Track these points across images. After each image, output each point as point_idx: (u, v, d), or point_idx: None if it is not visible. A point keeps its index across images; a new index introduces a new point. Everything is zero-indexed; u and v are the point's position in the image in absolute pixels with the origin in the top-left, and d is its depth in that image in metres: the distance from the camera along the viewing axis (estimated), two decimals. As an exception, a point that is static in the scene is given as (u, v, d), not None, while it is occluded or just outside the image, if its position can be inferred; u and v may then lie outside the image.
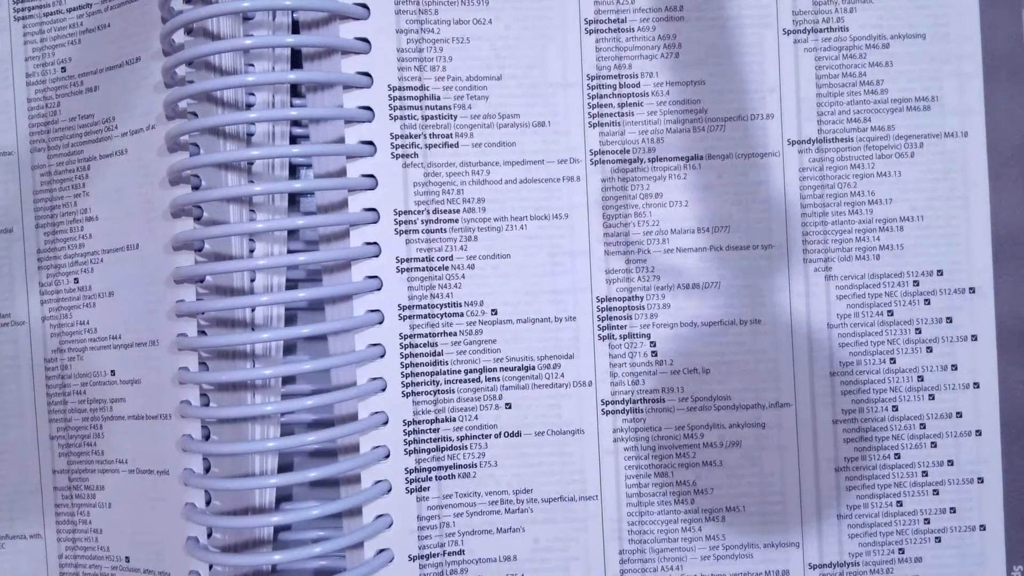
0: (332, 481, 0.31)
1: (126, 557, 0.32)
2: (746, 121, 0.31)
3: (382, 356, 0.31)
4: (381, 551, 0.30)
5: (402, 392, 0.31)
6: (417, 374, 0.31)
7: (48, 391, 0.33)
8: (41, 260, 0.33)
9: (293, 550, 0.29)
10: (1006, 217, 0.31)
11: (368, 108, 0.30)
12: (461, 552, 0.31)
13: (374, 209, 0.31)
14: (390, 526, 0.30)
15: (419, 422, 0.31)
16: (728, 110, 0.31)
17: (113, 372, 0.32)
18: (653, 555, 0.31)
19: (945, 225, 0.31)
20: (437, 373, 0.31)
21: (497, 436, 0.31)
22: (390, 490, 0.30)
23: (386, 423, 0.31)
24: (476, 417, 0.31)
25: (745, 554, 0.31)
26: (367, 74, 0.30)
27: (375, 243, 0.31)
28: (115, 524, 0.32)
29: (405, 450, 0.31)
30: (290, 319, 0.33)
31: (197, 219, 0.31)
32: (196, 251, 0.31)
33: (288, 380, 0.32)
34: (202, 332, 0.31)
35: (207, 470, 0.31)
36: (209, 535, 0.31)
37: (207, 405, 0.31)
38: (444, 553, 0.31)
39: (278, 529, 0.31)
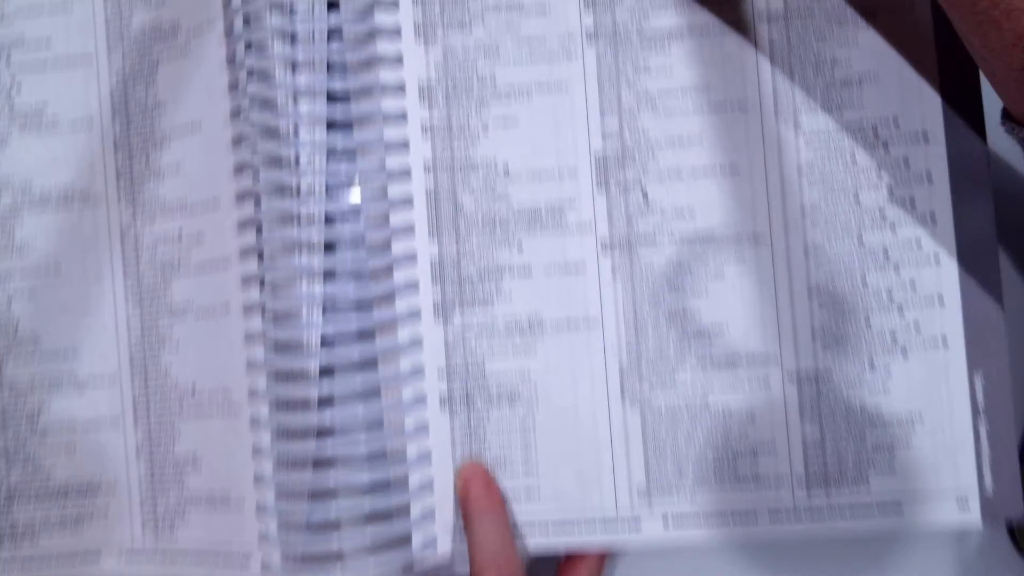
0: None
1: (192, 387, 0.37)
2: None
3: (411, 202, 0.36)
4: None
5: (428, 235, 0.36)
6: (441, 220, 0.36)
7: (123, 255, 0.38)
8: (117, 145, 0.39)
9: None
10: (953, 70, 0.36)
11: (394, -5, 0.36)
12: (482, 369, 0.36)
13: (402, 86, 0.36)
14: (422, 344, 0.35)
15: (444, 260, 0.36)
16: (703, -12, 0.36)
17: (180, 231, 0.37)
18: (648, 368, 0.35)
19: (898, 80, 0.36)
20: (458, 219, 0.36)
21: (511, 273, 0.36)
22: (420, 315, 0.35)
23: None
24: (493, 257, 0.36)
25: (730, 364, 0.35)
26: (393, -36, 0.36)
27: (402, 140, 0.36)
28: (181, 362, 0.37)
29: (432, 283, 0.35)
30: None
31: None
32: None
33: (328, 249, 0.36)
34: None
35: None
36: (263, 367, 0.35)
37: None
38: (467, 370, 0.35)
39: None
